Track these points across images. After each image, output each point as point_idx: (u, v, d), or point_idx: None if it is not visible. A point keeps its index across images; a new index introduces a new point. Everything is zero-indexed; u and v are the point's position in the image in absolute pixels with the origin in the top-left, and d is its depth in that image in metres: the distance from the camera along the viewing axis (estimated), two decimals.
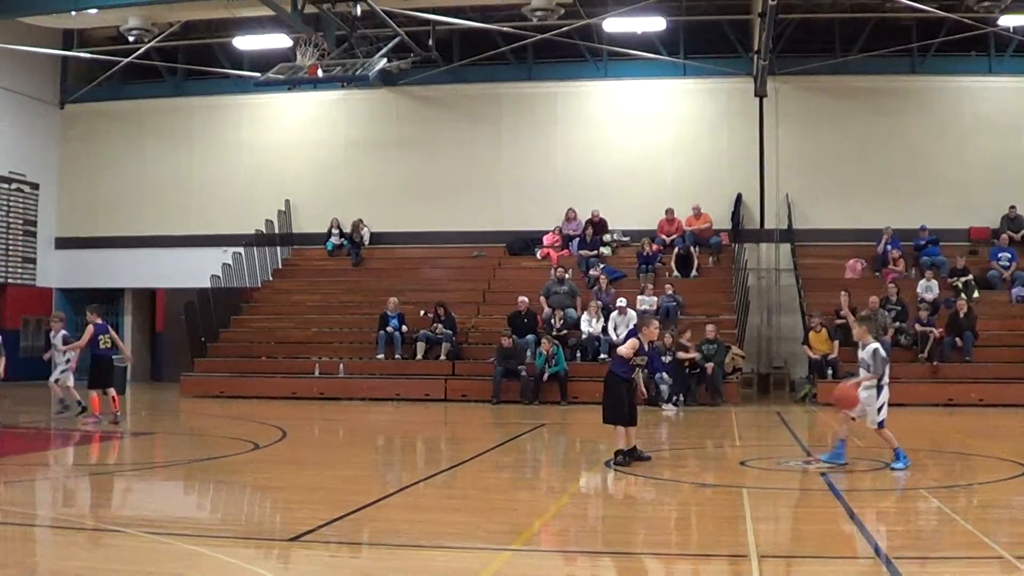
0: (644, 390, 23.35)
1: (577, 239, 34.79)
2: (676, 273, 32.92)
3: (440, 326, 30.59)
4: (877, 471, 14.49)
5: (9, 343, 36.98)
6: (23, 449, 15.01)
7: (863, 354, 14.82)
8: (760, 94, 33.67)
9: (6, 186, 37.58)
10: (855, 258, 32.53)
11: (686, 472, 15.93)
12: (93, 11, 31.95)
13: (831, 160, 34.04)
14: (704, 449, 19.31)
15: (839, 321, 28.84)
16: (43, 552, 9.99)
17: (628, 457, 15.02)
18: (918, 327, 28.61)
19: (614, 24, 33.12)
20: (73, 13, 32.15)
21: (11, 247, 37.94)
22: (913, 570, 8.65)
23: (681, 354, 27.19)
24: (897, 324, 28.69)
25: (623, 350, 15.38)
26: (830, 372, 27.94)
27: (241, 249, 36.20)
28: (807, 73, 34.35)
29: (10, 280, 37.65)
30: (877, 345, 14.83)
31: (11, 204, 37.88)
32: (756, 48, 32.48)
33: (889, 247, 32.23)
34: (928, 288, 30.41)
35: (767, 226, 34.18)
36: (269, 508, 12.67)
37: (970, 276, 31.09)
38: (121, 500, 13.39)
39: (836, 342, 28.27)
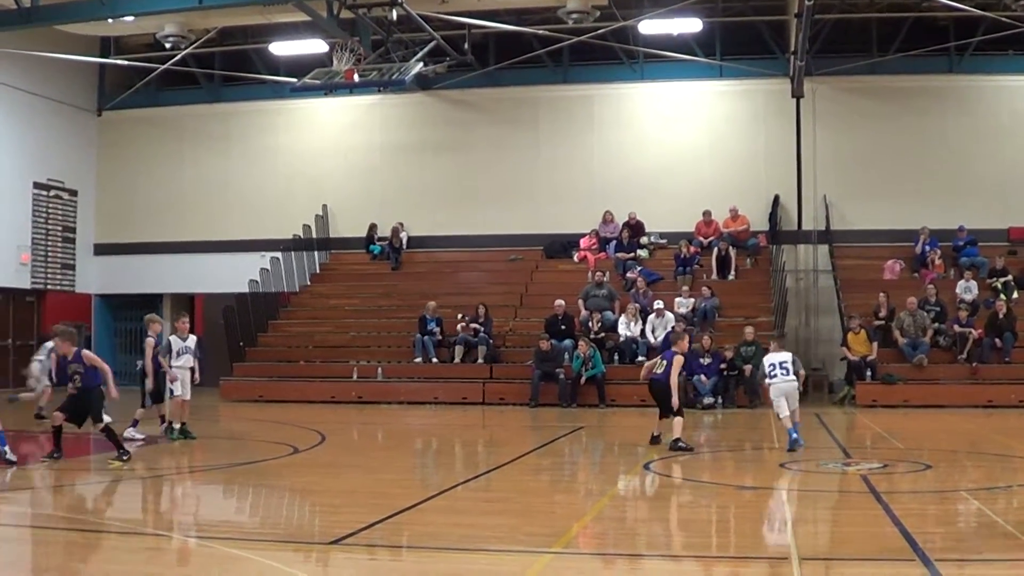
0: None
1: (614, 242, 34.74)
2: (714, 275, 32.84)
3: (478, 326, 30.60)
4: (916, 472, 14.45)
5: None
6: (65, 455, 15.07)
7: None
8: (797, 95, 33.52)
9: (45, 193, 37.77)
10: (893, 259, 32.37)
11: (725, 474, 15.92)
12: (130, 19, 32.06)
13: (869, 160, 33.83)
14: (743, 451, 19.27)
15: (878, 323, 28.76)
16: (85, 556, 10.04)
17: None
18: (957, 328, 28.42)
19: (650, 26, 33.03)
20: (110, 21, 32.23)
21: (50, 253, 38.12)
22: (953, 572, 8.63)
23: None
24: (936, 325, 28.52)
25: (674, 378, 17.83)
26: (869, 373, 27.85)
27: (279, 254, 36.33)
28: (844, 73, 34.18)
29: (49, 286, 37.83)
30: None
31: (50, 211, 38.06)
32: (793, 49, 32.35)
33: (927, 247, 32.06)
34: (967, 289, 30.23)
35: (805, 227, 34.05)
36: (309, 512, 12.73)
37: (1009, 276, 30.88)
38: (162, 504, 13.48)
39: (875, 343, 28.18)
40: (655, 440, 18.65)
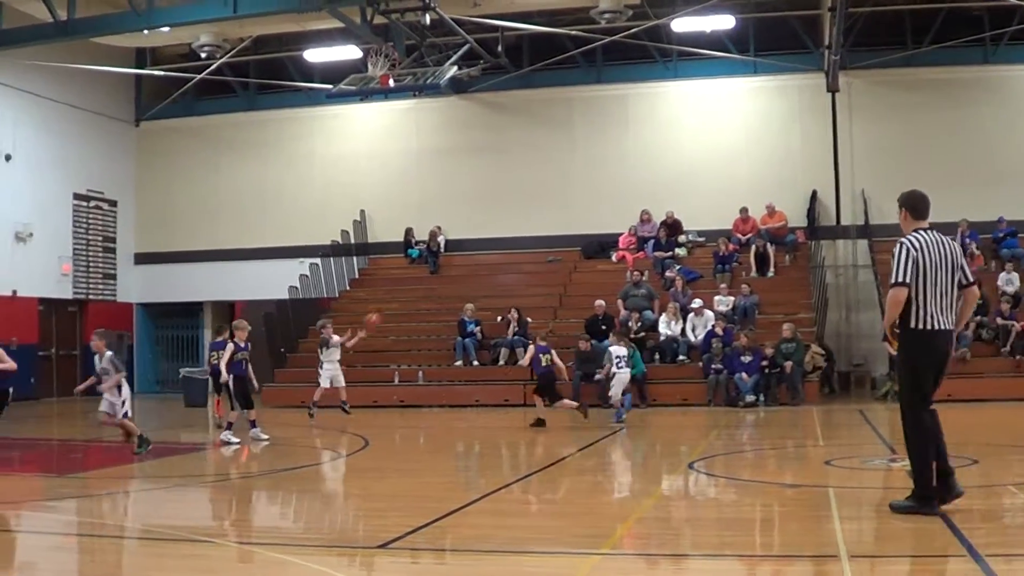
0: None
1: (652, 241, 34.72)
2: (753, 272, 32.76)
3: (515, 329, 30.70)
4: (962, 467, 14.39)
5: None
6: (109, 462, 15.18)
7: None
8: (832, 89, 33.36)
9: (85, 204, 38.04)
10: None
11: (769, 472, 15.90)
12: (165, 29, 32.23)
13: (906, 153, 33.56)
14: (786, 449, 19.25)
15: None
16: (132, 563, 10.15)
17: None
18: (999, 321, 28.29)
19: (683, 24, 33.01)
20: (145, 32, 32.42)
21: (91, 264, 38.41)
22: (1002, 568, 8.57)
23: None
24: (978, 318, 28.32)
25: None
26: None
27: (318, 260, 36.48)
28: (879, 67, 34.07)
29: (91, 296, 38.11)
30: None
31: (90, 221, 38.35)
32: (827, 43, 32.25)
33: (967, 240, 31.85)
34: (1009, 281, 30.04)
35: (843, 222, 33.96)
36: (354, 516, 12.77)
37: None
38: (207, 510, 13.56)
39: None
40: (541, 423, 22.71)
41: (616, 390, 23.76)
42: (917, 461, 10.87)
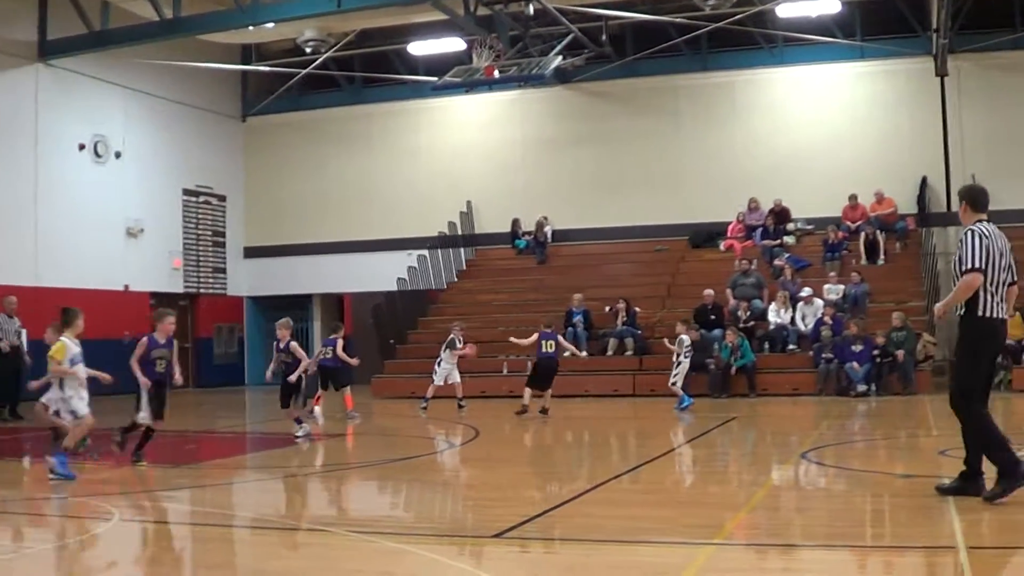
0: None
1: (760, 229, 34.53)
2: (863, 260, 32.47)
3: (624, 319, 30.71)
4: None
5: (205, 351, 38.11)
6: (223, 453, 15.37)
7: None
8: (941, 73, 32.88)
9: (195, 199, 38.56)
10: None
11: (881, 463, 15.78)
12: (270, 25, 32.57)
13: (1018, 138, 33.06)
14: (898, 439, 19.08)
15: None
16: (246, 552, 10.30)
17: None
18: None
19: (788, 9, 32.79)
20: (251, 28, 32.80)
21: (202, 258, 38.93)
22: None
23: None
24: None
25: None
26: None
27: (426, 251, 36.68)
28: (988, 50, 33.55)
29: (202, 290, 38.63)
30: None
31: (200, 216, 38.87)
32: (935, 26, 31.88)
33: None
34: None
35: (954, 209, 33.41)
36: (467, 505, 12.82)
37: None
38: (321, 500, 13.71)
39: None
40: (525, 411, 23.13)
41: (679, 379, 24.80)
42: (988, 440, 10.94)
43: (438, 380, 25.36)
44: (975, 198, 11.36)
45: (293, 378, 18.86)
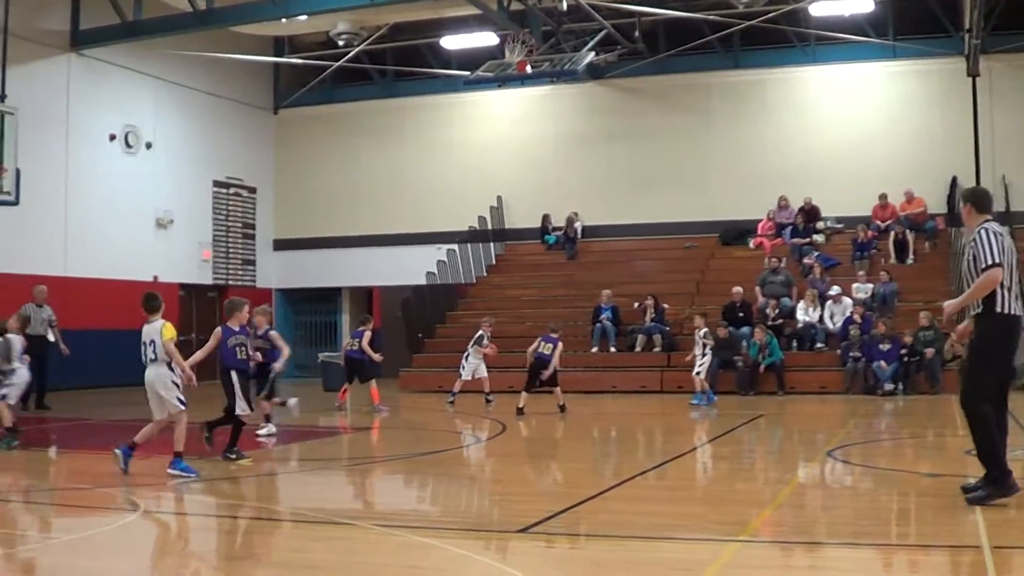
0: None
1: (790, 227, 34.52)
2: (892, 259, 32.43)
3: (652, 316, 30.77)
4: None
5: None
6: (249, 445, 15.44)
7: None
8: (973, 73, 32.78)
9: (225, 191, 38.70)
10: None
11: (907, 461, 15.80)
12: (303, 18, 32.66)
13: None
14: (924, 438, 19.07)
15: None
16: (275, 544, 10.35)
17: None
18: None
19: (821, 8, 32.77)
20: (284, 20, 32.87)
21: (231, 249, 39.05)
22: None
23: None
24: None
25: (556, 359, 23.52)
26: None
27: (455, 246, 36.76)
28: (1020, 51, 33.43)
29: (231, 282, 38.72)
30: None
31: (230, 208, 39.00)
32: (967, 27, 31.80)
33: None
34: None
35: None
36: (495, 500, 12.89)
37: None
38: (348, 493, 13.79)
39: None
40: (520, 412, 22.79)
41: (703, 369, 25.52)
42: (987, 443, 10.84)
43: (465, 375, 25.52)
44: (979, 200, 11.47)
45: (279, 366, 18.66)
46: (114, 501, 12.14)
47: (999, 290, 10.71)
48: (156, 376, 13.44)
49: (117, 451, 13.57)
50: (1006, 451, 11.02)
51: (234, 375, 14.96)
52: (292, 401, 21.35)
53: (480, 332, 25.78)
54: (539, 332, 25.73)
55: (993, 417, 10.88)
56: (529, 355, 23.39)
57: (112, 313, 31.15)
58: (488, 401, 25.16)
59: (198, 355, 14.78)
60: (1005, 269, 10.72)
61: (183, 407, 13.56)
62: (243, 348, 15.18)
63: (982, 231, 10.86)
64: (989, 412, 10.84)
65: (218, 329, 15.19)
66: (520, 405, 22.86)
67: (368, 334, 24.55)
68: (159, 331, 13.47)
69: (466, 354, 25.74)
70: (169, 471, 13.27)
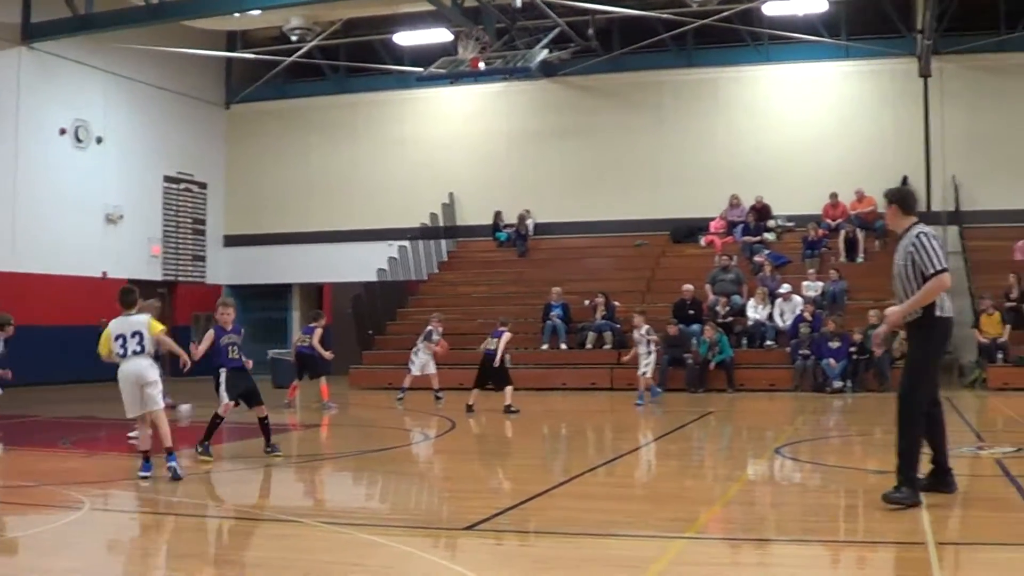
0: None
1: (741, 225, 34.63)
2: (842, 257, 32.57)
3: (603, 313, 30.78)
4: None
5: (183, 339, 37.94)
6: (196, 442, 15.34)
7: None
8: (924, 74, 33.04)
9: (175, 186, 38.52)
10: (1023, 240, 31.80)
11: (856, 459, 15.86)
12: (256, 12, 32.56)
13: (998, 140, 33.20)
14: (873, 435, 19.13)
15: (1009, 304, 28.38)
16: (221, 542, 10.30)
17: None
18: None
19: (774, 7, 32.90)
20: (236, 15, 32.79)
21: (181, 246, 38.90)
22: None
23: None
24: None
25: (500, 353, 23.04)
26: (1000, 356, 27.51)
27: (407, 242, 36.73)
28: (971, 51, 33.65)
29: (180, 278, 38.58)
30: None
31: (180, 204, 38.83)
32: (919, 27, 32.00)
33: None
34: None
35: (934, 208, 33.59)
36: (443, 497, 12.85)
37: None
38: (295, 491, 13.68)
39: (1008, 326, 27.81)
40: (469, 409, 22.61)
41: (649, 369, 24.71)
42: (914, 443, 10.94)
43: (415, 370, 25.35)
44: (905, 200, 11.34)
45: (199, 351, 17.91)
46: (60, 499, 12.02)
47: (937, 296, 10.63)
48: (141, 369, 13.23)
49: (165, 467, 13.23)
50: (947, 449, 11.07)
51: (222, 373, 14.94)
52: (184, 407, 21.51)
53: (429, 328, 25.66)
54: (490, 329, 25.76)
55: (924, 422, 10.85)
56: (481, 351, 23.28)
57: (61, 309, 30.97)
58: (438, 398, 25.03)
59: (201, 348, 14.90)
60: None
61: (162, 405, 13.41)
62: (235, 347, 15.14)
63: (923, 236, 10.78)
64: (923, 416, 10.86)
65: (211, 330, 15.17)
66: (470, 402, 22.76)
67: (319, 331, 24.50)
68: (146, 324, 13.32)
69: (415, 349, 25.61)
70: (171, 464, 13.03)
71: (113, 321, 13.48)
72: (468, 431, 20.19)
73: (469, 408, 22.60)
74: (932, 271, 10.62)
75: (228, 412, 15.10)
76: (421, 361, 25.41)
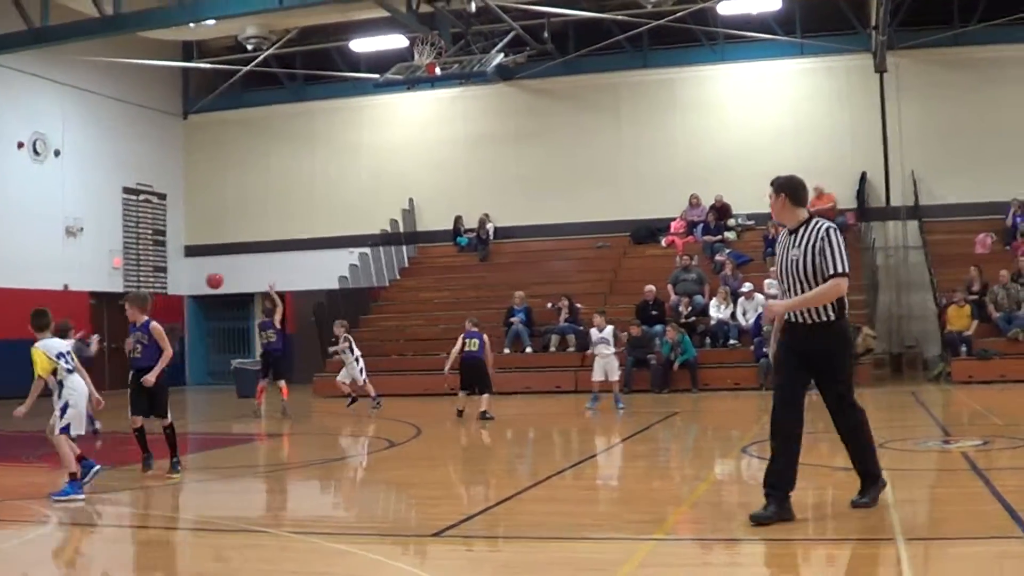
0: None
1: (701, 225, 34.69)
2: None
3: (567, 316, 30.78)
4: (1017, 448, 14.33)
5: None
6: (161, 454, 15.23)
7: None
8: (880, 70, 33.21)
9: (135, 197, 38.34)
10: (984, 232, 31.94)
11: (821, 456, 15.85)
12: (211, 22, 32.36)
13: (956, 133, 33.36)
14: (834, 432, 19.15)
15: (971, 297, 28.49)
16: (188, 553, 10.25)
17: None
18: None
19: (729, 7, 32.98)
20: (191, 25, 32.60)
21: (142, 257, 38.72)
22: None
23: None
24: None
25: (488, 357, 22.67)
26: (964, 349, 27.62)
27: (367, 249, 36.68)
28: (926, 46, 33.80)
29: (142, 289, 38.28)
30: None
31: (140, 215, 38.66)
32: (874, 23, 32.11)
33: (1019, 219, 31.61)
34: None
35: (893, 203, 33.76)
36: (409, 505, 12.81)
37: None
38: (261, 500, 13.60)
39: (975, 321, 27.93)
40: (460, 414, 22.23)
41: (597, 373, 24.08)
42: (870, 442, 11.04)
43: (345, 379, 25.68)
44: (796, 191, 10.27)
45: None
46: (26, 514, 11.92)
47: (844, 297, 10.15)
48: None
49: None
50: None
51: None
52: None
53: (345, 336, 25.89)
54: (453, 334, 25.66)
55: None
56: (454, 355, 22.85)
57: (23, 322, 30.73)
58: (350, 406, 25.30)
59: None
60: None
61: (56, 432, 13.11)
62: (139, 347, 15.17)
63: (833, 232, 10.02)
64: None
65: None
66: (459, 407, 22.52)
67: (279, 315, 25.25)
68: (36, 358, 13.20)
69: (356, 355, 25.66)
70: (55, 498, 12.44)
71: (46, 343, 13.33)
72: (433, 437, 20.11)
73: (459, 413, 22.39)
74: (833, 272, 9.91)
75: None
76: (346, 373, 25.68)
